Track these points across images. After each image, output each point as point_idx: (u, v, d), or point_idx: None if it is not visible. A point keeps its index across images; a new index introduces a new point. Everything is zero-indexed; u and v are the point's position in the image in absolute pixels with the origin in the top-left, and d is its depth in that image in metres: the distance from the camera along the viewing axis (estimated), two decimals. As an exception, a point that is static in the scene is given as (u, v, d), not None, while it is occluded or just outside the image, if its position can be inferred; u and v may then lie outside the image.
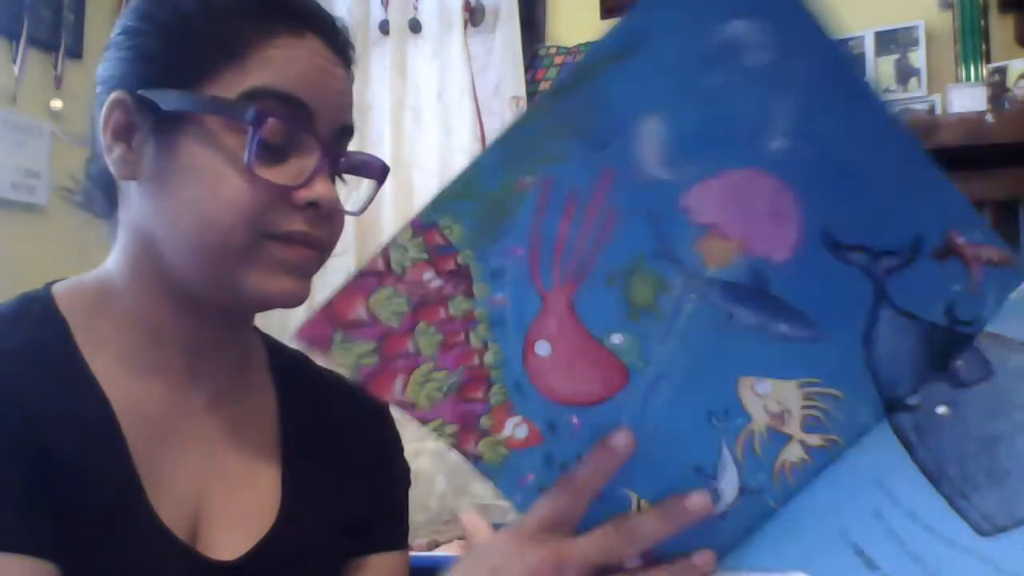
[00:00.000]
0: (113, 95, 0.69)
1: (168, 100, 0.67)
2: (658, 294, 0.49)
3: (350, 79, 0.74)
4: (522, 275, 0.50)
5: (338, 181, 0.75)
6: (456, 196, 0.49)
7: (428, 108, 2.43)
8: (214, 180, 0.66)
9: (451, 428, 0.52)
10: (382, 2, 2.48)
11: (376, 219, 2.44)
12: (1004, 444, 0.47)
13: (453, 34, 2.41)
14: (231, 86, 0.66)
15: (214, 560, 0.69)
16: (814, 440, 0.50)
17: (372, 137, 2.46)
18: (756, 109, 0.46)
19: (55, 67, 2.43)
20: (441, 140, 2.40)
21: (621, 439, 0.52)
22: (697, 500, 0.51)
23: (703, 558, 0.52)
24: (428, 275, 0.50)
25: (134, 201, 0.71)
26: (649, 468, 0.52)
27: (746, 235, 0.48)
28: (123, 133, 0.69)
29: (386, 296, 0.50)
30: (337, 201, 0.70)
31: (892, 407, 0.50)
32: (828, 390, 0.50)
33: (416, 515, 2.29)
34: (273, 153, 0.67)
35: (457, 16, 2.40)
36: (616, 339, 0.50)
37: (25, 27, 2.32)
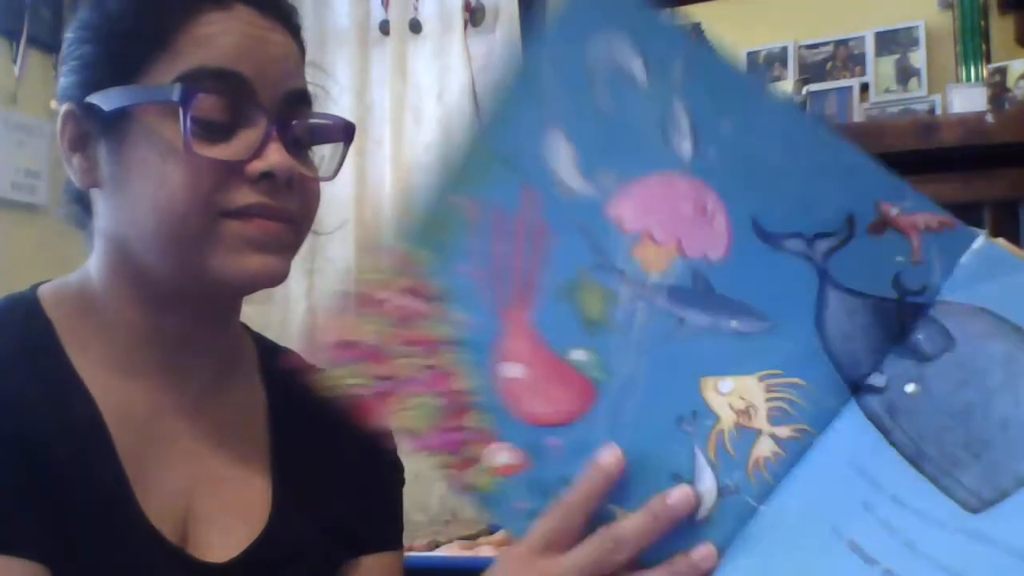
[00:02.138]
0: (63, 108, 0.70)
1: (108, 100, 0.67)
2: (607, 306, 0.52)
3: (296, 43, 0.72)
4: (472, 294, 0.53)
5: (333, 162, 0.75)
6: (404, 220, 0.54)
7: (428, 108, 2.43)
8: (161, 169, 0.66)
9: (445, 459, 0.54)
10: (382, 2, 2.48)
11: (377, 217, 2.44)
12: (978, 413, 0.46)
13: (453, 34, 2.40)
14: (166, 74, 0.66)
15: (204, 562, 0.69)
16: (784, 432, 0.50)
17: (372, 137, 2.46)
18: (654, 117, 0.50)
19: (55, 67, 2.43)
20: (441, 140, 2.40)
21: (608, 457, 0.52)
22: (678, 495, 0.52)
23: (702, 553, 0.51)
24: (404, 298, 0.54)
25: (100, 208, 0.71)
26: (628, 481, 0.53)
27: (678, 238, 0.50)
28: (78, 144, 0.70)
29: (368, 319, 0.54)
30: (294, 168, 0.68)
31: (858, 389, 0.50)
32: (790, 379, 0.51)
33: (416, 515, 2.29)
34: (216, 130, 0.66)
35: (457, 16, 2.39)
36: (577, 355, 0.52)
37: (25, 27, 2.32)
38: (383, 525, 0.84)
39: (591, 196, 0.51)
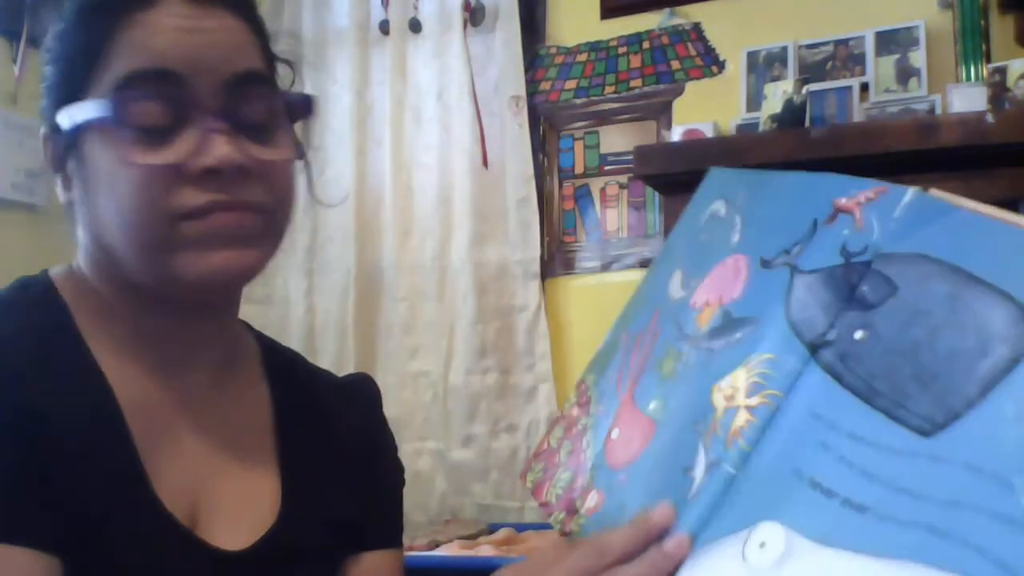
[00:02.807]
0: (41, 131, 0.71)
1: (65, 119, 0.68)
2: (676, 364, 0.63)
3: (243, 23, 0.69)
4: (611, 392, 0.68)
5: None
6: (593, 358, 0.73)
7: (428, 108, 2.43)
8: (114, 182, 0.66)
9: (561, 516, 0.66)
10: (382, 2, 2.48)
11: (376, 217, 2.44)
12: (924, 348, 0.48)
13: (453, 34, 2.40)
14: (105, 87, 0.66)
15: (218, 548, 0.69)
16: (755, 401, 0.54)
17: (372, 137, 2.46)
18: (726, 231, 0.65)
19: (55, 67, 2.43)
20: (441, 140, 2.40)
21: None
22: (659, 512, 0.55)
23: (675, 543, 0.53)
24: (575, 411, 0.71)
25: (80, 220, 0.71)
26: (654, 480, 0.59)
27: (720, 296, 0.62)
28: (57, 164, 0.71)
29: (556, 432, 0.72)
30: (242, 157, 0.66)
31: (815, 349, 0.53)
32: (763, 356, 0.55)
33: (416, 515, 2.30)
34: (158, 134, 0.65)
35: (457, 16, 2.40)
36: (652, 406, 0.63)
37: (25, 27, 2.32)
38: (385, 523, 0.85)
39: (684, 297, 0.65)
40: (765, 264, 0.59)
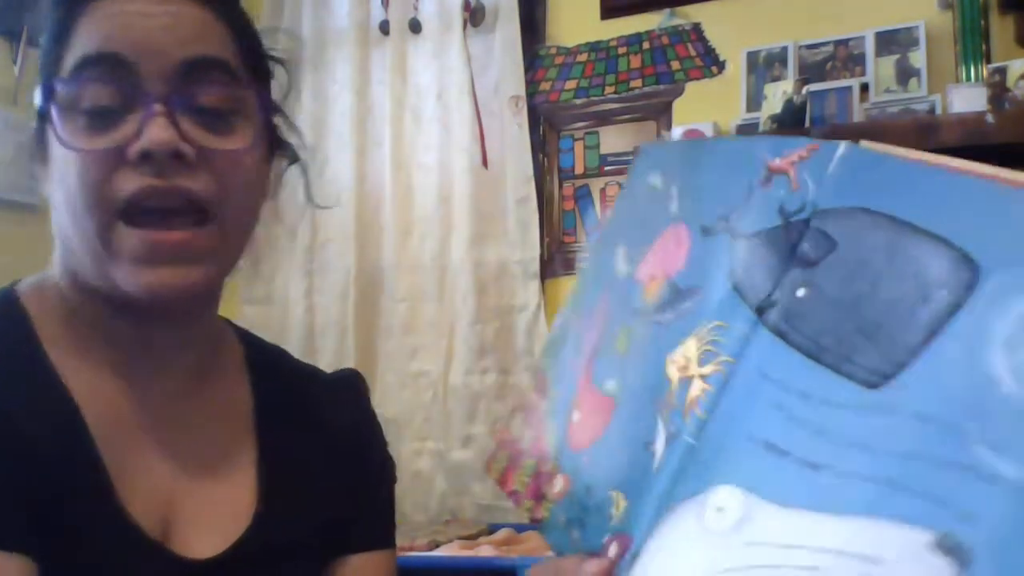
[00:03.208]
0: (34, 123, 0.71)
1: (37, 104, 0.68)
2: (628, 341, 0.63)
3: (196, 12, 0.68)
4: (566, 373, 0.69)
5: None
6: (546, 343, 0.75)
7: (428, 108, 2.43)
8: (65, 168, 0.65)
9: (530, 503, 0.66)
10: (382, 2, 2.48)
11: (376, 217, 2.44)
12: (866, 300, 0.48)
13: (453, 34, 2.40)
14: (61, 73, 0.67)
15: (185, 558, 0.68)
16: (708, 369, 0.54)
17: (372, 137, 2.46)
18: (662, 202, 0.65)
19: (55, 67, 2.43)
20: (441, 140, 2.40)
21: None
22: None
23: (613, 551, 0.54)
24: (534, 397, 0.72)
25: (52, 219, 0.71)
26: (617, 459, 0.59)
27: (664, 268, 0.62)
28: (41, 155, 0.70)
29: (516, 420, 0.72)
30: (177, 140, 0.64)
31: (760, 310, 0.53)
32: (712, 323, 0.55)
33: (416, 515, 2.30)
34: (104, 118, 0.65)
35: (457, 16, 2.40)
36: (608, 385, 0.63)
37: (25, 27, 2.32)
38: (374, 524, 0.83)
39: (629, 272, 0.66)
40: (705, 232, 0.59)
